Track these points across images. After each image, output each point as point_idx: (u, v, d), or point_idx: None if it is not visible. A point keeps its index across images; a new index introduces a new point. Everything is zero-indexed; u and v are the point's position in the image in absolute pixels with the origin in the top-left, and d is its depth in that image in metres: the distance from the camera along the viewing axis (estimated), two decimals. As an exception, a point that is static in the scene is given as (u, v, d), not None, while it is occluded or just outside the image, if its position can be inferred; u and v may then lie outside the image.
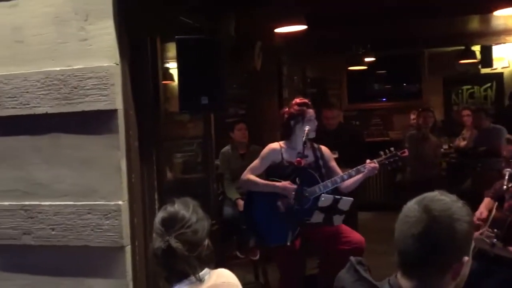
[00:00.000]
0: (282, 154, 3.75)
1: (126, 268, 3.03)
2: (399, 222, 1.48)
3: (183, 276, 1.94)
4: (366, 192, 7.95)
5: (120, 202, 3.00)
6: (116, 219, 3.00)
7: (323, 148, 3.85)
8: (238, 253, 5.24)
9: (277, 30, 4.59)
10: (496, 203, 3.56)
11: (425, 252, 1.40)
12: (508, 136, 3.32)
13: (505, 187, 3.14)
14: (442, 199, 1.46)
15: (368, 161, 3.66)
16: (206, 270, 1.97)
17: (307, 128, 3.63)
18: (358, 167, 3.65)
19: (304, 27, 4.45)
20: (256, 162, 3.85)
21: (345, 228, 3.69)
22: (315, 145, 3.83)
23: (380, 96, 9.84)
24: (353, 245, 3.61)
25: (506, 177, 3.18)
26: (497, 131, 6.09)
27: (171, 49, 3.84)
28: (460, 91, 9.49)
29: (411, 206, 1.47)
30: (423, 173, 5.80)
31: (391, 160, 3.67)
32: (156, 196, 3.23)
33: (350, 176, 3.63)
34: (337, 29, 6.97)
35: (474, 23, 8.22)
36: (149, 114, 3.16)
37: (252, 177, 3.74)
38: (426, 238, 1.40)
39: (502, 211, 3.41)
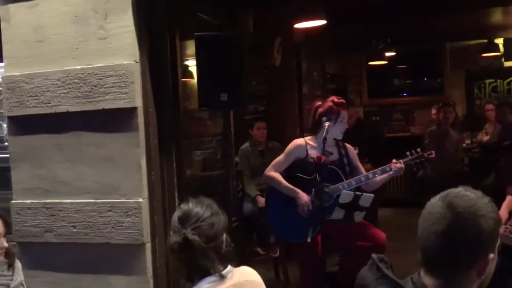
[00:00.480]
0: (307, 150, 3.71)
1: (146, 265, 3.05)
2: (422, 219, 1.45)
3: (204, 273, 1.93)
4: (387, 188, 7.87)
5: (140, 200, 3.02)
6: (137, 217, 3.02)
7: (348, 146, 3.81)
8: (259, 250, 5.23)
9: (297, 26, 4.55)
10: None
11: (449, 249, 1.37)
12: None
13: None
14: (467, 195, 1.42)
15: (394, 161, 3.59)
16: (229, 268, 1.96)
17: (326, 124, 3.59)
18: (384, 166, 3.59)
19: (323, 22, 4.41)
20: (280, 157, 3.82)
21: (367, 225, 3.65)
22: (340, 143, 3.78)
23: (401, 91, 9.73)
24: (375, 241, 3.57)
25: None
26: (521, 125, 5.99)
27: (190, 47, 3.85)
28: (482, 85, 9.33)
29: (435, 203, 1.44)
30: (444, 170, 5.71)
31: (417, 161, 3.61)
32: (176, 194, 3.24)
33: (375, 175, 3.58)
34: (356, 24, 6.92)
35: (497, 16, 8.09)
36: (169, 112, 3.17)
37: (276, 176, 3.71)
38: (450, 235, 1.36)
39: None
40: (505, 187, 5.64)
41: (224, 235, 1.98)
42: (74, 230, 3.12)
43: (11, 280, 2.63)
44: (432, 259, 1.41)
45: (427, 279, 1.43)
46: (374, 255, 1.56)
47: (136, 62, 3.00)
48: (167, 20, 3.16)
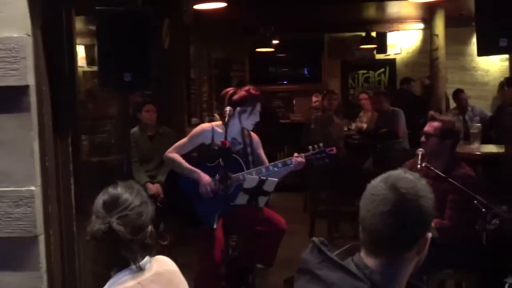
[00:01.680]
0: (213, 136, 3.63)
1: (39, 259, 2.78)
2: (365, 200, 1.47)
3: (123, 264, 1.82)
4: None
5: (32, 188, 2.74)
6: (29, 207, 2.74)
7: (253, 135, 3.78)
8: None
9: (197, 7, 4.43)
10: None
11: (394, 229, 1.40)
12: (431, 112, 3.47)
13: (418, 166, 3.28)
14: (407, 177, 1.47)
15: (295, 154, 3.63)
16: (147, 258, 1.86)
17: (227, 109, 3.54)
18: (285, 159, 3.61)
19: (223, 4, 4.34)
20: (184, 140, 3.70)
21: (266, 210, 3.69)
22: (246, 131, 3.74)
23: (281, 79, 9.99)
24: (275, 226, 3.62)
25: (419, 157, 3.32)
26: (395, 113, 6.42)
27: (87, 22, 3.58)
28: (356, 75, 9.90)
29: (377, 185, 1.47)
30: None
31: (318, 156, 3.65)
32: (72, 181, 2.99)
33: (275, 167, 3.59)
34: (245, 10, 6.94)
35: (371, 11, 8.61)
36: (65, 91, 2.91)
37: (177, 157, 3.59)
38: (396, 215, 1.40)
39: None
40: (383, 170, 6.07)
41: (150, 227, 1.87)
42: (-46, 222, 2.76)
43: None
44: (377, 239, 1.43)
45: (369, 260, 1.46)
46: (315, 239, 1.54)
47: (28, 35, 2.69)
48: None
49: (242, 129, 3.68)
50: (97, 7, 2.74)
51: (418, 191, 1.43)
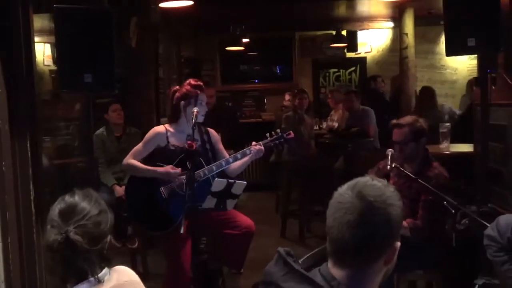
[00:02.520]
0: (168, 137, 3.55)
1: (-3, 269, 2.67)
2: (332, 209, 1.41)
3: (81, 276, 1.73)
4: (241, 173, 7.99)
5: (-12, 195, 2.62)
6: (-15, 214, 2.62)
7: (211, 131, 3.72)
8: (114, 242, 4.94)
9: (162, 5, 4.33)
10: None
11: (361, 238, 1.35)
12: (393, 121, 3.41)
13: (389, 166, 3.25)
14: (374, 184, 1.41)
15: (253, 143, 3.57)
16: (106, 270, 1.78)
17: (195, 109, 3.46)
18: (244, 149, 3.56)
19: (190, 2, 4.24)
20: (139, 145, 3.61)
21: (234, 213, 3.61)
22: (203, 128, 3.68)
23: (252, 78, 9.92)
24: (243, 229, 3.55)
25: (389, 157, 3.29)
26: (366, 112, 6.42)
27: (45, 21, 3.44)
28: (327, 74, 9.89)
29: (344, 192, 1.41)
30: (300, 153, 5.94)
31: (277, 142, 3.62)
32: (31, 186, 2.87)
33: (235, 159, 3.53)
34: (214, 8, 6.86)
35: (341, 9, 8.61)
36: (22, 93, 2.79)
37: (133, 162, 3.51)
38: (363, 225, 1.34)
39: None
40: (354, 169, 6.05)
41: (109, 237, 1.78)
42: None
43: None
44: (344, 249, 1.37)
45: (335, 271, 1.40)
46: (280, 249, 1.48)
47: (-18, 35, 2.58)
48: (19, -12, 2.76)
49: (199, 126, 3.61)
50: (55, 5, 2.61)
51: (386, 199, 1.38)
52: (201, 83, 3.64)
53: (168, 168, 3.41)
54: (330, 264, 1.42)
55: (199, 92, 3.55)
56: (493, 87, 3.16)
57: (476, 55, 8.63)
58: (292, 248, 1.48)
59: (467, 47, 2.80)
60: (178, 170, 3.40)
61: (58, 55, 2.73)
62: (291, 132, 3.72)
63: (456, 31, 2.87)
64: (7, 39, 2.73)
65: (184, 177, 3.30)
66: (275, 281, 1.43)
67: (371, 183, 1.41)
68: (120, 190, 4.88)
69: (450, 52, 2.97)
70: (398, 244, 1.41)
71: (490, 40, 2.73)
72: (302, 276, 1.40)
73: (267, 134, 3.65)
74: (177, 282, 3.46)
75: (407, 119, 3.39)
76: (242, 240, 3.54)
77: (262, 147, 3.56)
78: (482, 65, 3.06)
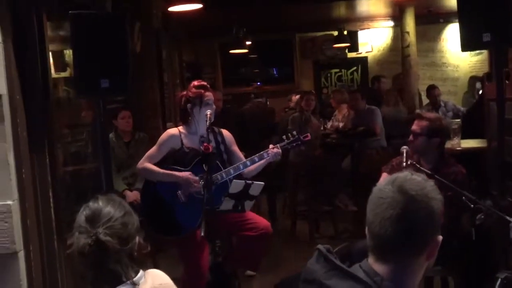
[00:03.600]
0: (181, 140, 3.54)
1: (20, 276, 2.67)
2: (372, 205, 1.40)
3: (114, 279, 1.72)
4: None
5: (9, 202, 2.62)
6: (6, 222, 2.62)
7: (225, 132, 3.71)
8: (143, 243, 4.91)
9: (172, 9, 4.32)
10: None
11: (404, 233, 1.34)
12: (418, 111, 3.45)
13: (404, 164, 3.25)
14: (415, 178, 1.41)
15: (271, 146, 3.58)
16: (141, 273, 1.78)
17: (209, 112, 3.46)
18: (261, 152, 3.56)
19: (199, 6, 4.25)
20: (153, 149, 3.60)
21: (251, 214, 3.60)
22: (216, 129, 3.67)
23: (254, 80, 9.93)
24: (260, 230, 3.54)
25: (404, 155, 3.29)
26: (372, 111, 6.42)
27: (60, 28, 3.44)
28: (329, 74, 9.90)
29: (384, 187, 1.41)
30: (307, 154, 5.93)
31: (294, 144, 3.63)
32: (50, 193, 2.87)
33: (253, 162, 3.53)
34: (215, 12, 6.85)
35: (342, 10, 8.63)
36: (39, 100, 2.79)
37: (149, 166, 3.49)
38: (406, 219, 1.34)
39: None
40: (361, 169, 6.06)
41: (137, 238, 1.78)
42: None
43: None
44: (386, 244, 1.37)
45: (377, 266, 1.40)
46: (320, 246, 1.47)
47: (-1, 42, 2.57)
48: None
49: (212, 127, 3.61)
50: (70, 11, 2.61)
51: (427, 193, 1.38)
52: (205, 83, 3.63)
53: (187, 174, 3.40)
54: (371, 260, 1.42)
55: (203, 91, 3.54)
56: (506, 82, 3.17)
57: (477, 52, 8.75)
58: (303, 249, 1.48)
59: (483, 42, 2.80)
60: (197, 178, 3.39)
61: (75, 62, 2.72)
62: (308, 134, 3.73)
63: (471, 26, 2.87)
64: (23, 47, 2.72)
65: (202, 181, 3.29)
66: (318, 279, 1.42)
67: (411, 177, 1.41)
68: (131, 195, 4.87)
69: (465, 47, 2.97)
70: (440, 238, 1.41)
71: (506, 35, 2.73)
72: (346, 272, 1.40)
73: (284, 137, 3.65)
74: (195, 285, 3.45)
75: (431, 115, 3.42)
76: (259, 242, 3.54)
77: (280, 150, 3.56)
78: (496, 60, 3.06)
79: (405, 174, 1.43)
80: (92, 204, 1.78)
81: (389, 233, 1.35)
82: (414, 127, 3.34)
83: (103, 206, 1.77)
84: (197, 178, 3.38)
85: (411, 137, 3.35)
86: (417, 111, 3.45)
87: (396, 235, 1.35)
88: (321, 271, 1.43)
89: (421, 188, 1.38)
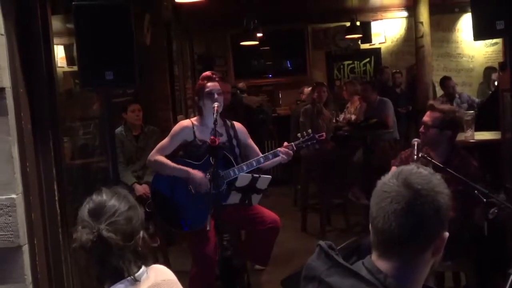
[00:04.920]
0: (194, 132, 3.50)
1: (24, 270, 2.65)
2: (376, 198, 1.35)
3: (117, 275, 1.69)
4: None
5: (13, 196, 2.60)
6: (10, 216, 2.60)
7: (237, 125, 3.65)
8: (148, 239, 4.90)
9: (179, 0, 4.28)
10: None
11: (409, 228, 1.29)
12: (431, 102, 3.37)
13: (415, 156, 3.18)
14: (420, 172, 1.36)
15: (285, 144, 3.52)
16: (143, 268, 1.74)
17: (216, 104, 3.41)
18: (275, 150, 3.51)
19: (206, -4, 4.20)
20: (165, 140, 3.56)
21: (259, 208, 3.57)
22: (228, 122, 3.61)
23: (265, 72, 9.85)
24: (269, 224, 3.51)
25: (415, 147, 3.22)
26: (383, 103, 6.34)
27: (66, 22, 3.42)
28: (341, 66, 9.80)
29: (388, 181, 1.35)
30: (320, 147, 5.87)
31: (309, 143, 3.56)
32: (55, 187, 2.84)
33: (267, 159, 3.47)
34: (226, 3, 6.81)
35: (354, 0, 8.52)
36: (43, 93, 2.76)
37: (161, 158, 3.45)
38: (411, 213, 1.29)
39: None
40: (373, 161, 5.98)
41: (142, 232, 1.75)
42: None
43: None
44: (390, 240, 1.32)
45: (381, 263, 1.35)
46: (321, 243, 1.42)
47: (1, 34, 2.54)
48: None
49: (224, 121, 3.55)
50: (73, 2, 2.57)
51: (434, 187, 1.32)
52: (209, 74, 3.55)
53: (200, 175, 3.35)
54: (374, 256, 1.37)
55: (206, 82, 3.48)
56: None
57: (492, 41, 8.58)
58: (313, 242, 1.43)
59: (496, 30, 2.71)
60: (207, 181, 3.33)
61: (79, 53, 2.69)
62: (324, 134, 3.68)
63: (483, 14, 2.78)
64: (26, 39, 2.70)
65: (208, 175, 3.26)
66: (318, 276, 1.37)
67: (417, 171, 1.36)
68: (140, 189, 4.87)
69: (478, 36, 2.88)
70: (447, 234, 1.36)
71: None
72: (347, 269, 1.35)
73: (299, 135, 3.60)
74: (204, 278, 3.42)
75: (445, 106, 3.35)
76: (268, 235, 3.50)
77: (291, 152, 3.49)
78: (510, 49, 2.97)
79: (410, 167, 1.38)
80: (95, 197, 1.75)
81: (393, 228, 1.30)
82: (426, 118, 3.27)
83: (107, 199, 1.73)
84: (207, 181, 3.32)
85: (422, 129, 3.28)
86: (430, 102, 3.36)
87: (401, 230, 1.30)
88: (322, 267, 1.38)
89: (427, 182, 1.32)
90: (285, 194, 7.30)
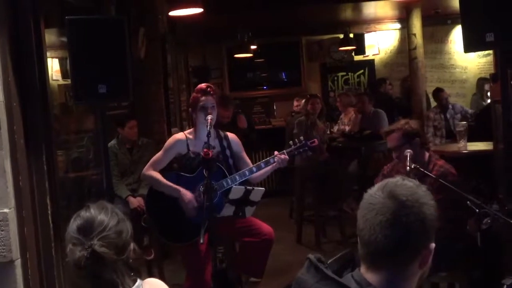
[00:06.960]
0: (188, 144, 3.51)
1: (17, 285, 2.65)
2: (363, 211, 1.36)
3: None
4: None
5: (6, 210, 2.60)
6: (2, 230, 2.60)
7: (231, 136, 3.66)
8: (137, 249, 4.88)
9: (172, 13, 4.31)
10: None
11: (395, 239, 1.30)
12: (382, 130, 3.43)
13: (408, 168, 3.19)
14: (406, 184, 1.37)
15: (276, 152, 3.53)
16: (138, 282, 1.75)
17: (209, 117, 3.42)
18: (268, 158, 3.52)
19: (200, 10, 4.22)
20: (159, 154, 3.56)
21: (254, 220, 3.56)
22: (221, 133, 3.62)
23: (260, 84, 9.89)
24: (263, 236, 3.50)
25: (408, 158, 3.23)
26: (378, 114, 6.37)
27: (57, 34, 3.44)
28: (335, 77, 9.84)
29: (374, 193, 1.37)
30: (313, 158, 5.89)
31: (301, 150, 3.57)
32: (48, 201, 2.84)
33: (259, 168, 3.48)
34: (221, 16, 6.84)
35: (348, 12, 8.57)
36: (36, 107, 2.77)
37: (155, 175, 3.45)
38: (396, 225, 1.30)
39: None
40: (368, 173, 6.00)
41: (132, 244, 1.75)
42: None
43: None
44: (377, 252, 1.33)
45: (369, 275, 1.36)
46: (310, 256, 1.43)
47: (-5, 49, 2.56)
48: (29, 2, 2.75)
49: (218, 132, 3.56)
50: (66, 17, 2.59)
51: (419, 198, 1.34)
52: (204, 87, 3.52)
53: (190, 197, 3.37)
54: (363, 269, 1.38)
55: (200, 95, 3.48)
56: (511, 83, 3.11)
57: (485, 53, 8.65)
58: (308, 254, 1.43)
59: (486, 42, 2.74)
60: (195, 203, 3.37)
61: (72, 68, 2.70)
62: (316, 140, 3.69)
63: (473, 27, 2.82)
64: (20, 53, 2.71)
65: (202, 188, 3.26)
66: (307, 289, 1.38)
67: (402, 183, 1.37)
68: (134, 202, 4.86)
69: (468, 48, 2.91)
70: (433, 245, 1.37)
71: (509, 34, 2.67)
72: (336, 282, 1.36)
73: (291, 142, 3.61)
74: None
75: (396, 124, 3.39)
76: (262, 248, 3.50)
77: (287, 156, 3.50)
78: (501, 61, 3.00)
79: (396, 179, 1.40)
80: (84, 213, 1.74)
81: (379, 240, 1.31)
82: (391, 144, 3.32)
83: (96, 214, 1.73)
84: (197, 204, 3.35)
85: (394, 155, 3.32)
86: (381, 131, 3.40)
87: (387, 242, 1.31)
88: (311, 281, 1.39)
89: (412, 193, 1.34)
90: (281, 206, 7.29)
